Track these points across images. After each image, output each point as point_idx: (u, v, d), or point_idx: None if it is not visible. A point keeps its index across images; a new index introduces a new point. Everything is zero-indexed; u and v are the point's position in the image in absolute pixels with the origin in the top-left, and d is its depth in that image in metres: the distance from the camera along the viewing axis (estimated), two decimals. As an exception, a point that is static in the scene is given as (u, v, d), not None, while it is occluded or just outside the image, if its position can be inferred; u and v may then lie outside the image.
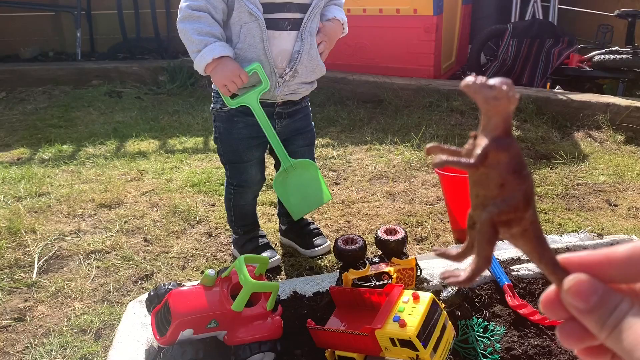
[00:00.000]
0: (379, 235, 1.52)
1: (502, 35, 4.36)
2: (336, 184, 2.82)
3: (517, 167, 0.44)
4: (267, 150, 2.02)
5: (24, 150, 3.30)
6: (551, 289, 0.46)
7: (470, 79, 0.44)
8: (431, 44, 4.11)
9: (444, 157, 0.45)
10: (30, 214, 2.46)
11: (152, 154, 3.23)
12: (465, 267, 0.48)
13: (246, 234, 2.08)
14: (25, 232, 2.28)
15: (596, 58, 3.86)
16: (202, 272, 2.03)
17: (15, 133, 3.64)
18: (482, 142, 0.45)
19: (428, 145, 0.48)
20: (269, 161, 2.10)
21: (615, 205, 2.49)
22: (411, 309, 1.22)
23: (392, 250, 1.50)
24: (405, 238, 1.51)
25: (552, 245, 1.77)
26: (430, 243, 2.21)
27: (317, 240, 2.11)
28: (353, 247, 1.48)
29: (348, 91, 4.22)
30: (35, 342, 1.65)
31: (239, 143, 1.90)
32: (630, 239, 1.77)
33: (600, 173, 2.83)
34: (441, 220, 2.39)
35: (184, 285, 1.38)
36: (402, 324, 1.18)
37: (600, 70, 3.84)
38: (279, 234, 2.27)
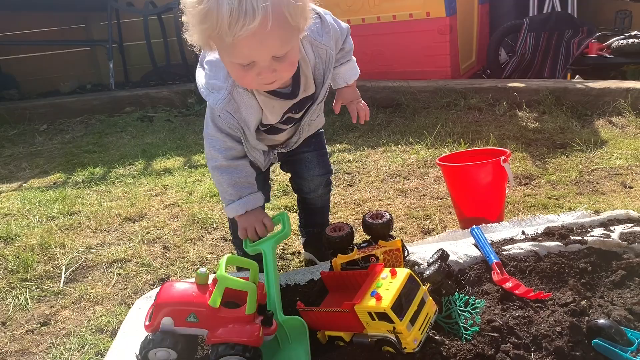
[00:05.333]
0: (366, 220, 1.57)
1: (518, 31, 4.34)
2: (350, 185, 2.88)
3: None
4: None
5: (60, 175, 3.52)
6: None
7: None
8: (446, 45, 4.13)
9: None
10: (61, 231, 2.63)
11: (176, 170, 3.38)
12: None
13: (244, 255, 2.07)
14: (56, 247, 2.44)
15: (615, 44, 3.79)
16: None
17: (54, 160, 3.88)
18: None
19: None
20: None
21: (631, 187, 2.45)
22: (388, 284, 1.27)
23: (378, 233, 1.55)
24: (390, 221, 1.55)
25: (548, 224, 1.77)
26: (437, 234, 2.23)
27: None
28: (340, 233, 1.53)
29: (367, 98, 4.25)
30: (57, 342, 1.77)
31: None
32: (627, 213, 1.75)
33: (618, 157, 2.78)
34: (450, 213, 2.40)
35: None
36: (378, 298, 1.23)
37: (620, 56, 3.77)
38: (302, 250, 2.24)
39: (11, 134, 4.70)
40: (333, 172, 2.05)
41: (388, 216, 1.55)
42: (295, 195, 2.17)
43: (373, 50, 4.47)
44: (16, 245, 2.48)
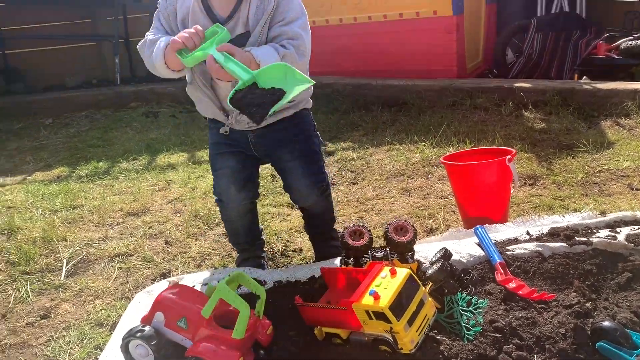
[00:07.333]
0: (389, 234, 1.49)
1: (526, 31, 4.31)
2: (353, 183, 2.86)
3: None
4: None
5: (64, 169, 3.51)
6: None
7: None
8: (452, 44, 4.11)
9: None
10: (64, 224, 2.62)
11: (180, 165, 3.37)
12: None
13: (242, 252, 2.02)
14: (58, 240, 2.44)
15: (623, 45, 3.77)
16: (216, 268, 2.12)
17: (58, 154, 3.88)
18: None
19: None
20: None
21: (638, 189, 2.42)
22: (387, 284, 1.25)
23: (400, 250, 1.49)
24: (414, 238, 1.48)
25: (553, 225, 1.75)
26: (440, 233, 2.21)
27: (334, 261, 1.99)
28: (360, 243, 1.47)
29: (372, 96, 4.26)
30: (57, 335, 1.77)
31: (211, 148, 1.88)
32: (634, 215, 1.72)
33: (625, 159, 2.75)
34: (454, 212, 2.39)
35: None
36: (376, 297, 1.21)
37: (629, 57, 3.74)
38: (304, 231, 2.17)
39: (17, 127, 4.71)
40: (325, 179, 1.90)
41: (412, 233, 1.48)
42: None
43: (379, 48, 4.44)
44: (18, 238, 2.48)
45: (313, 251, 2.11)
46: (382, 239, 1.58)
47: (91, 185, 3.16)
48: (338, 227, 2.36)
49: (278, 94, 1.35)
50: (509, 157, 2.01)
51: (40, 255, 2.32)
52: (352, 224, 1.57)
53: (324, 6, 4.61)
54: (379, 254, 1.48)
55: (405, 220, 1.52)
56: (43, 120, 4.85)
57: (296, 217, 2.49)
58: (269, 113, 1.35)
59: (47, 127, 4.68)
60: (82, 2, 5.54)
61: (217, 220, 2.52)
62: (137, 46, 1.72)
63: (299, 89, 1.36)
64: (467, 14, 4.25)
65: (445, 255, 1.47)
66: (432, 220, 2.33)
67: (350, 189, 2.79)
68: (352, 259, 1.50)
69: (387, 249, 1.51)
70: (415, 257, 1.61)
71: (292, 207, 2.61)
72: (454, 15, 4.04)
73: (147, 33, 1.70)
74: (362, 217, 2.43)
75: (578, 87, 3.55)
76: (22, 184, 3.31)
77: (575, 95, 3.53)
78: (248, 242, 2.01)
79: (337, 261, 1.59)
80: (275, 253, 2.21)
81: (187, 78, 1.79)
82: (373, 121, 3.91)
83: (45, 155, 3.90)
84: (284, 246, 2.25)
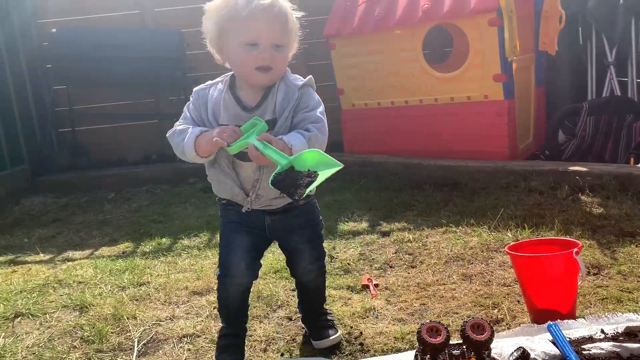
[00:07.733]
0: (466, 332, 1.52)
1: (578, 114, 4.37)
2: (412, 267, 2.89)
3: None
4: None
5: (129, 245, 3.67)
6: None
7: None
8: (504, 127, 4.19)
9: None
10: (132, 302, 2.72)
11: (239, 244, 3.47)
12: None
13: (228, 327, 2.11)
14: (128, 318, 2.53)
15: (680, 130, 3.77)
16: (282, 354, 2.15)
17: (122, 229, 4.06)
18: None
19: None
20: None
21: None
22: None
23: (477, 348, 1.51)
24: (492, 336, 1.51)
25: (628, 324, 1.73)
26: (507, 324, 2.20)
27: (329, 331, 2.16)
28: (436, 341, 1.50)
29: (424, 176, 4.34)
30: (133, 419, 1.82)
31: (226, 225, 2.02)
32: None
33: (692, 249, 2.70)
34: (518, 302, 2.37)
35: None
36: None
37: (686, 142, 3.73)
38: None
39: (82, 200, 4.96)
40: (324, 258, 2.15)
41: (489, 331, 1.51)
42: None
43: (430, 129, 4.57)
44: (90, 314, 2.59)
45: (306, 328, 2.25)
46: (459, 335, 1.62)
47: (155, 262, 3.28)
48: (401, 313, 2.38)
49: (313, 175, 1.58)
50: (575, 249, 2.03)
51: (112, 332, 2.41)
52: (428, 320, 1.60)
53: (373, 90, 4.82)
54: (456, 352, 1.50)
55: (481, 319, 1.54)
56: (106, 194, 5.11)
57: (357, 301, 2.53)
58: (305, 193, 1.57)
59: (110, 201, 4.92)
60: (148, 85, 5.90)
61: (279, 303, 2.57)
62: (167, 134, 1.94)
63: (329, 172, 1.59)
64: (518, 97, 4.35)
65: (524, 355, 1.48)
66: (496, 310, 2.32)
67: (409, 273, 2.81)
68: (428, 355, 1.52)
69: (464, 347, 1.53)
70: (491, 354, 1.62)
71: (352, 291, 2.65)
72: (505, 99, 4.15)
73: (176, 123, 1.94)
74: (424, 304, 2.44)
75: (636, 172, 3.54)
76: (90, 258, 3.46)
77: (633, 180, 3.52)
78: (239, 322, 2.12)
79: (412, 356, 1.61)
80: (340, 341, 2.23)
81: (205, 163, 2.01)
82: (426, 201, 3.96)
83: (110, 229, 4.08)
84: (348, 333, 2.27)
